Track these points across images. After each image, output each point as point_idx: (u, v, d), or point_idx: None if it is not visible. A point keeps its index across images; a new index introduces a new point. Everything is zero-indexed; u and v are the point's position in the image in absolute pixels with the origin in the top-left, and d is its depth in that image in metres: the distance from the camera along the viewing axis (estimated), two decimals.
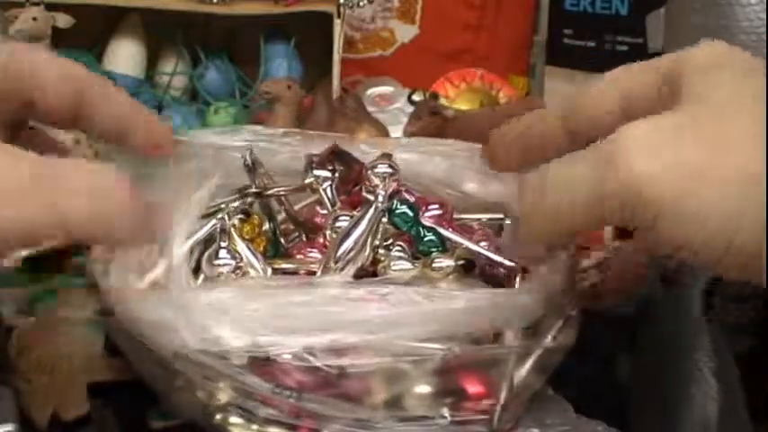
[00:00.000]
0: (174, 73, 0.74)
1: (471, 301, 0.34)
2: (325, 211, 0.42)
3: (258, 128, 0.45)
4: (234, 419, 0.35)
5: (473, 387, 0.34)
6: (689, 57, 0.31)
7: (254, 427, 0.35)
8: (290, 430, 0.34)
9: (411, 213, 0.40)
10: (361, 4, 0.76)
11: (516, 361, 0.35)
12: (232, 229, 0.39)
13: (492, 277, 0.39)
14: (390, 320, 0.33)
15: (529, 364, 0.36)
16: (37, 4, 0.56)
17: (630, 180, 0.27)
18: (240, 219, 0.40)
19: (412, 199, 0.41)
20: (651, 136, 0.28)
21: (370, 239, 0.38)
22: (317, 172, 0.42)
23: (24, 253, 0.57)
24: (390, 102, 0.78)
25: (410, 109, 0.74)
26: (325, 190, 0.42)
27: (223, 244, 0.38)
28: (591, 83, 0.35)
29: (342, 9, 0.67)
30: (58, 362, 0.44)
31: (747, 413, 0.43)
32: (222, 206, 0.41)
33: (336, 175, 0.42)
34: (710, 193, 0.27)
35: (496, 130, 0.39)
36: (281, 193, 0.43)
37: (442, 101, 0.76)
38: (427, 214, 0.40)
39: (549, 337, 0.36)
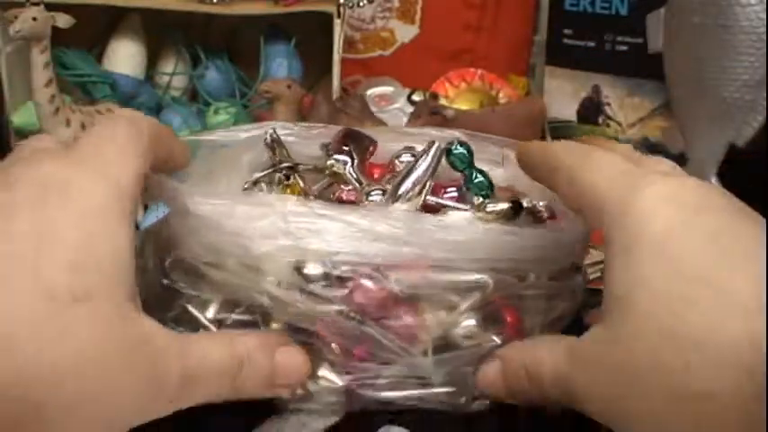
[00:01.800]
0: (174, 73, 0.74)
1: (532, 236, 0.38)
2: (349, 188, 0.43)
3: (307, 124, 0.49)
4: None
5: (510, 318, 0.38)
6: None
7: None
8: (338, 372, 0.38)
9: (468, 155, 0.42)
10: (361, 4, 0.76)
11: (546, 300, 0.39)
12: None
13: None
14: (458, 246, 0.36)
15: (559, 302, 0.40)
16: (37, 4, 0.56)
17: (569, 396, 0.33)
18: (283, 181, 0.43)
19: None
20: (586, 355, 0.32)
21: (429, 177, 0.40)
22: (336, 156, 0.44)
23: None
24: (390, 102, 0.78)
25: (410, 109, 0.75)
26: (348, 171, 0.43)
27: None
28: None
29: (342, 9, 0.67)
30: None
31: None
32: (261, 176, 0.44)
33: (354, 155, 0.44)
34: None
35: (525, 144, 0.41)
36: (312, 167, 0.45)
37: (442, 101, 0.76)
38: (446, 196, 0.43)
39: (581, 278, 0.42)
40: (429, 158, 0.40)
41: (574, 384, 0.32)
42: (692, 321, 0.27)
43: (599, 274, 0.57)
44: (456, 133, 0.47)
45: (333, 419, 0.39)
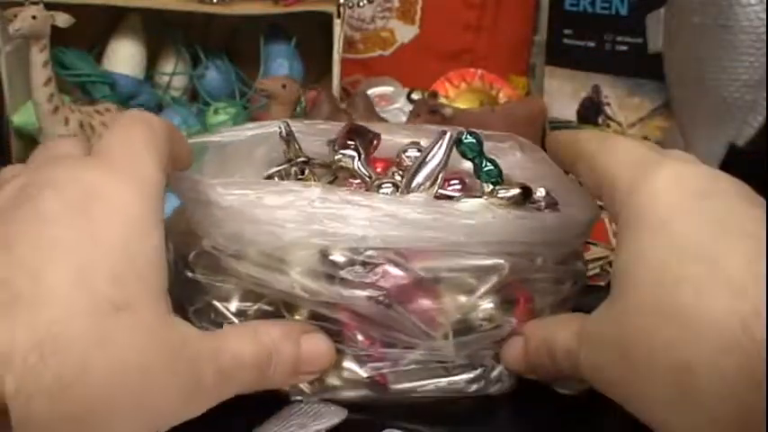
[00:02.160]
0: (174, 73, 0.74)
1: (542, 220, 0.40)
2: (358, 181, 0.44)
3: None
4: None
5: (524, 299, 0.40)
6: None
7: None
8: (360, 362, 0.39)
9: (477, 144, 0.43)
10: (361, 4, 0.76)
11: (553, 283, 0.41)
12: None
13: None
14: (477, 231, 0.37)
15: (566, 285, 0.41)
16: (36, 3, 0.56)
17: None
18: (297, 175, 0.44)
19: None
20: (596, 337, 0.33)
21: (443, 168, 0.41)
22: (342, 152, 0.44)
23: None
24: (390, 102, 0.78)
25: (410, 108, 0.75)
26: (357, 166, 0.44)
27: None
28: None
29: (342, 9, 0.67)
30: None
31: None
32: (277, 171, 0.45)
33: (361, 150, 0.44)
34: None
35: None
36: (324, 162, 0.46)
37: (442, 101, 0.76)
38: (450, 188, 0.44)
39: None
40: (443, 149, 0.41)
41: (580, 360, 0.34)
42: (683, 297, 0.28)
43: (597, 271, 0.57)
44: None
45: (333, 421, 0.39)
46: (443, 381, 0.40)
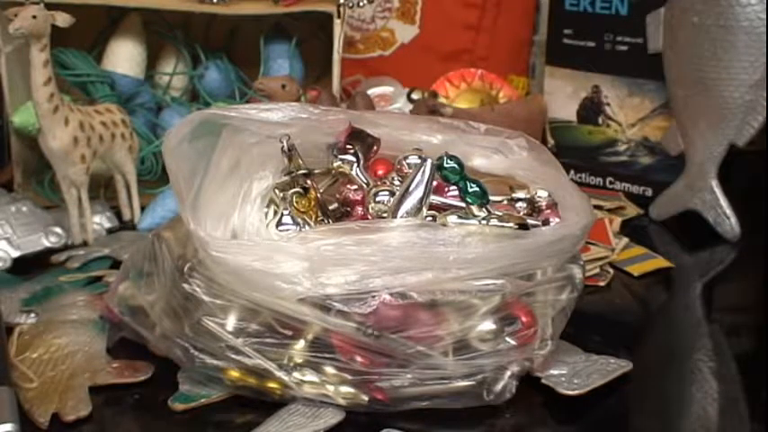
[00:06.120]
0: (174, 73, 0.74)
1: (539, 236, 0.40)
2: (355, 187, 0.44)
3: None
4: (309, 377, 0.39)
5: (525, 317, 0.40)
6: None
7: (331, 387, 0.39)
8: (359, 388, 0.39)
9: (459, 167, 0.43)
10: (361, 4, 0.76)
11: (553, 292, 0.41)
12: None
13: None
14: (475, 260, 0.38)
15: (565, 294, 0.42)
16: (36, 3, 0.56)
17: None
18: (298, 193, 0.44)
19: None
20: None
21: (427, 195, 0.41)
22: (342, 157, 0.44)
23: (15, 254, 0.58)
24: (390, 102, 0.78)
25: (410, 108, 0.75)
26: (356, 173, 0.44)
27: (285, 212, 0.42)
28: None
29: (342, 9, 0.67)
30: (60, 362, 0.44)
31: (747, 413, 0.43)
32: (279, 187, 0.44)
33: (360, 155, 0.44)
34: None
35: None
36: (321, 172, 0.46)
37: (442, 101, 0.76)
38: (449, 194, 0.44)
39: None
40: (425, 177, 0.41)
41: None
42: None
43: (597, 271, 0.57)
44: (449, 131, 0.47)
45: (331, 421, 0.39)
46: (443, 395, 0.40)
